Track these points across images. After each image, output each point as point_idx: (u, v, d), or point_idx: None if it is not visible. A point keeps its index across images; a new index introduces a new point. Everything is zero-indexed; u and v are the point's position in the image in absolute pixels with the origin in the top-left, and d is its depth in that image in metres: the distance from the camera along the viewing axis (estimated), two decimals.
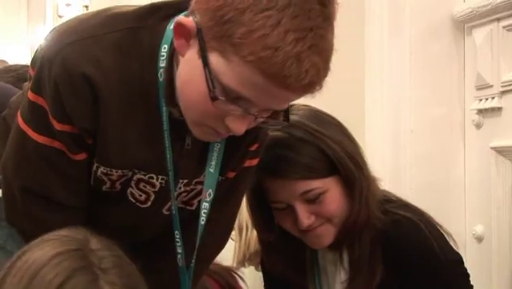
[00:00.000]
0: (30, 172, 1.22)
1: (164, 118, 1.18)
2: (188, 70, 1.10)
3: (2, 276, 1.00)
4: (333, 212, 1.40)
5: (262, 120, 1.12)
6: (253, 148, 1.31)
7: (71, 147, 1.19)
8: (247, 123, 1.10)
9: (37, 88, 1.18)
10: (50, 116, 1.16)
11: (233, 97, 1.05)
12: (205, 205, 1.25)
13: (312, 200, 1.38)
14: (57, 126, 1.17)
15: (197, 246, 1.27)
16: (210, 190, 1.25)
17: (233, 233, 1.95)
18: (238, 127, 1.10)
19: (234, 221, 1.48)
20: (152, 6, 1.18)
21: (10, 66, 2.98)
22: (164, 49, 1.15)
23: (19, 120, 1.22)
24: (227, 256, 1.93)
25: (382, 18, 2.16)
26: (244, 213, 1.94)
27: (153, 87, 1.15)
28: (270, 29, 0.99)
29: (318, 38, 1.02)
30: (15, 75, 2.72)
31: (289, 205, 1.40)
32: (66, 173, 1.22)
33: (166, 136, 1.19)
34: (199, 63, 1.06)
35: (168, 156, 1.20)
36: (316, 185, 1.38)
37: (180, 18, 1.09)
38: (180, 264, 1.29)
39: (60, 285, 0.97)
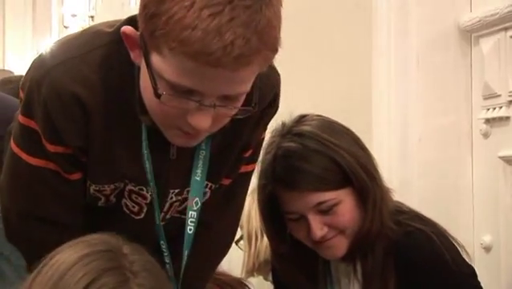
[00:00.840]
0: (26, 195, 1.22)
1: (143, 129, 1.18)
2: (143, 76, 1.10)
3: (34, 276, 1.00)
4: (346, 223, 1.39)
5: (228, 111, 1.09)
6: (248, 154, 1.31)
7: (65, 167, 1.20)
8: (209, 116, 1.07)
9: (27, 111, 1.18)
10: (43, 139, 1.17)
11: (182, 91, 1.04)
12: (192, 214, 1.24)
13: (325, 211, 1.38)
14: (50, 148, 1.17)
15: (185, 255, 1.27)
16: (197, 198, 1.24)
17: (243, 242, 1.94)
18: (199, 121, 1.07)
19: (236, 228, 1.47)
20: (130, 19, 1.17)
21: (10, 77, 2.99)
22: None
23: (12, 144, 1.22)
24: (236, 265, 1.93)
25: (389, 28, 2.16)
26: (253, 222, 1.94)
27: (133, 98, 1.16)
28: (185, 10, 0.98)
29: (241, 9, 0.99)
30: (15, 86, 2.72)
31: (302, 216, 1.40)
32: (62, 193, 1.22)
33: (145, 147, 1.19)
34: (145, 65, 1.07)
35: (147, 166, 1.20)
36: (330, 196, 1.37)
37: (124, 28, 1.10)
38: (169, 274, 1.28)
39: (88, 284, 0.96)
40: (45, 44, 6.55)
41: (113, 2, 4.97)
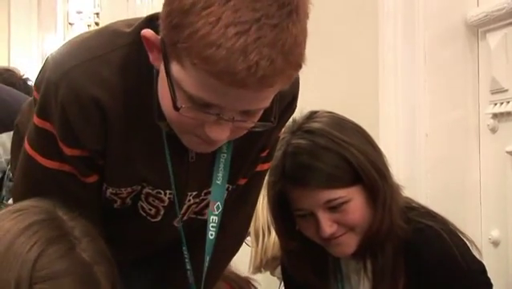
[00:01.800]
0: (40, 197, 1.18)
1: (163, 132, 1.16)
2: (162, 82, 1.07)
3: None
4: (356, 221, 1.39)
5: (246, 124, 1.07)
6: (264, 153, 1.31)
7: (81, 170, 1.18)
8: (227, 129, 1.06)
9: (43, 113, 1.16)
10: (59, 141, 1.15)
11: (201, 104, 1.02)
12: (213, 219, 1.23)
13: (335, 208, 1.38)
14: (67, 151, 1.15)
15: (206, 262, 1.25)
16: (218, 203, 1.23)
17: (250, 238, 1.94)
18: (217, 134, 1.06)
19: (248, 226, 1.47)
20: (148, 19, 1.15)
21: None
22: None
23: (26, 145, 1.20)
24: (243, 262, 1.93)
25: (396, 23, 2.16)
26: (260, 218, 1.94)
27: (152, 102, 1.13)
28: (210, 26, 0.94)
29: (268, 29, 0.95)
30: (0, 79, 2.73)
31: (311, 213, 1.40)
32: (78, 196, 1.20)
33: (166, 151, 1.17)
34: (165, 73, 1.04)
35: (170, 170, 1.19)
36: (340, 194, 1.37)
37: (144, 31, 1.07)
38: (190, 281, 1.28)
39: (40, 254, 0.99)
40: (50, 41, 6.56)
41: None
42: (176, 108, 1.03)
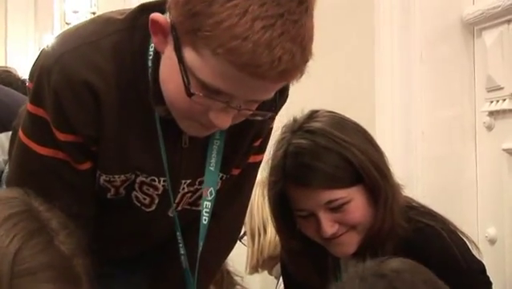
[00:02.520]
0: (35, 185, 1.19)
1: (156, 118, 1.17)
2: (168, 66, 1.08)
3: None
4: (357, 220, 1.39)
5: (249, 112, 1.10)
6: (257, 143, 1.31)
7: (75, 157, 1.18)
8: (231, 116, 1.08)
9: (36, 100, 1.17)
10: (53, 127, 1.15)
11: (212, 91, 1.04)
12: (207, 204, 1.24)
13: (336, 208, 1.37)
14: (60, 136, 1.16)
15: (200, 246, 1.26)
16: (211, 188, 1.24)
17: (246, 238, 1.94)
18: (222, 121, 1.08)
19: (243, 219, 1.48)
20: (142, 6, 1.16)
21: None
22: (152, 48, 1.14)
23: (21, 134, 1.20)
24: (240, 261, 1.93)
25: (392, 21, 2.16)
26: (256, 218, 1.94)
27: (145, 87, 1.14)
28: (237, 18, 0.96)
29: (291, 24, 0.99)
30: None
31: (312, 213, 1.39)
32: (72, 183, 1.21)
33: (160, 137, 1.18)
34: (175, 58, 1.04)
35: (163, 156, 1.19)
36: (341, 194, 1.36)
37: (154, 14, 1.08)
38: (184, 266, 1.29)
39: (20, 247, 0.98)
40: (47, 40, 6.54)
41: None
42: (190, 95, 1.04)
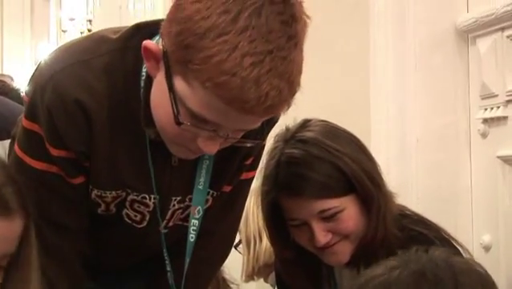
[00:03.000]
0: (30, 198, 1.19)
1: (146, 137, 1.18)
2: (158, 92, 1.09)
3: None
4: (350, 229, 1.38)
5: (235, 140, 1.12)
6: (249, 161, 1.32)
7: (68, 171, 1.20)
8: (218, 143, 1.10)
9: (31, 115, 1.19)
10: (46, 143, 1.17)
11: (200, 120, 1.05)
12: (194, 222, 1.25)
13: (329, 218, 1.37)
14: (53, 152, 1.18)
15: (186, 263, 1.27)
16: (199, 207, 1.25)
17: (241, 246, 1.94)
18: (209, 148, 1.09)
19: (235, 236, 1.48)
20: (136, 27, 1.18)
21: None
22: (145, 68, 1.15)
23: (16, 147, 1.23)
24: (236, 269, 1.93)
25: (386, 29, 2.17)
26: (251, 225, 1.93)
27: (137, 107, 1.16)
28: (226, 54, 0.98)
29: (279, 60, 1.00)
30: None
31: (305, 223, 1.39)
32: (66, 197, 1.22)
33: (149, 156, 1.19)
34: (166, 85, 1.06)
35: (152, 175, 1.21)
36: (333, 203, 1.36)
37: (146, 42, 1.09)
38: (170, 282, 1.30)
39: None
40: (43, 48, 6.56)
41: (111, 5, 4.97)
42: (178, 124, 1.05)
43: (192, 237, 1.25)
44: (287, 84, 1.01)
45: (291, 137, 1.40)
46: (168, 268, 1.29)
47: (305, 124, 1.42)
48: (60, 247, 1.24)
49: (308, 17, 1.06)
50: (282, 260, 1.52)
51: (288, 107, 1.06)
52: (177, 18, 1.02)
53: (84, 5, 5.78)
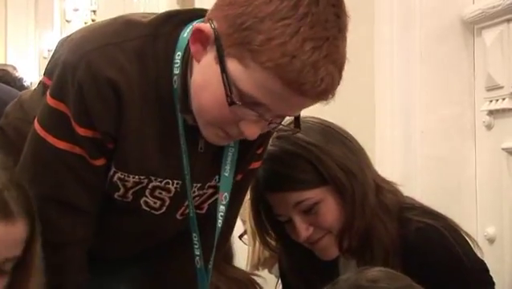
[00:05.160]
0: (48, 179, 1.22)
1: (180, 123, 1.19)
2: (204, 75, 1.12)
3: None
4: (330, 221, 1.41)
5: (274, 125, 1.15)
6: (260, 151, 1.34)
7: (91, 152, 1.20)
8: (260, 127, 1.13)
9: (58, 94, 1.19)
10: (73, 121, 1.17)
11: (250, 102, 1.08)
12: (222, 208, 1.28)
13: (308, 211, 1.41)
14: (80, 131, 1.18)
15: (214, 248, 1.29)
16: (226, 193, 1.27)
17: (247, 237, 1.95)
18: (252, 131, 1.13)
19: (235, 223, 1.50)
20: (167, 14, 1.20)
21: None
22: (178, 56, 1.17)
23: (37, 126, 1.22)
24: (241, 259, 1.94)
25: (392, 20, 2.16)
26: None
27: (168, 93, 1.17)
28: (288, 37, 1.03)
29: (334, 48, 1.06)
30: None
31: (290, 218, 1.42)
32: (84, 179, 1.23)
33: (182, 140, 1.20)
34: (216, 68, 1.08)
35: (184, 160, 1.22)
36: (308, 195, 1.40)
37: (199, 24, 1.12)
38: (198, 266, 1.31)
39: None
40: (47, 38, 6.55)
41: None
42: (231, 104, 1.08)
43: (220, 222, 1.28)
44: (338, 72, 1.08)
45: (274, 136, 1.44)
46: (198, 252, 1.30)
47: (290, 123, 1.45)
48: (70, 229, 1.25)
49: (349, 14, 1.13)
50: (286, 254, 1.54)
51: (332, 97, 1.12)
52: (236, 2, 1.06)
53: None
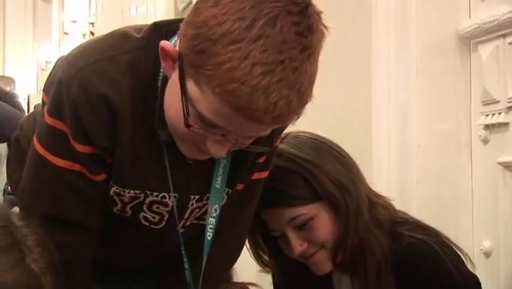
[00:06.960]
0: (50, 197, 1.22)
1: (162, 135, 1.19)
2: (172, 92, 1.11)
3: None
4: (324, 236, 1.42)
5: (245, 145, 1.13)
6: (261, 160, 1.33)
7: (91, 168, 1.21)
8: (227, 147, 1.11)
9: (55, 112, 1.19)
10: (71, 139, 1.18)
11: (209, 124, 1.07)
12: (211, 221, 1.27)
13: (302, 226, 1.41)
14: (78, 148, 1.18)
15: (203, 261, 1.29)
16: (216, 205, 1.27)
17: None
18: (217, 151, 1.11)
19: (246, 233, 1.49)
20: (154, 25, 1.20)
21: None
22: (162, 69, 1.16)
23: (36, 145, 1.22)
24: (249, 264, 1.94)
25: (388, 35, 2.17)
26: None
27: (154, 106, 1.17)
28: (237, 62, 0.99)
29: (290, 71, 1.01)
30: None
31: (284, 233, 1.43)
32: (85, 195, 1.23)
33: (165, 153, 1.21)
34: (179, 86, 1.07)
35: (168, 173, 1.22)
36: (302, 211, 1.40)
37: (163, 43, 1.11)
38: (187, 279, 1.31)
39: None
40: (45, 50, 6.55)
41: (113, 8, 4.98)
42: (188, 126, 1.07)
43: (209, 235, 1.27)
44: (297, 95, 1.02)
45: None
46: (186, 266, 1.30)
47: (285, 137, 1.45)
48: (72, 246, 1.24)
49: (326, 27, 1.07)
50: (280, 269, 1.54)
51: (298, 118, 1.08)
52: (194, 21, 1.04)
53: (86, 7, 5.79)
